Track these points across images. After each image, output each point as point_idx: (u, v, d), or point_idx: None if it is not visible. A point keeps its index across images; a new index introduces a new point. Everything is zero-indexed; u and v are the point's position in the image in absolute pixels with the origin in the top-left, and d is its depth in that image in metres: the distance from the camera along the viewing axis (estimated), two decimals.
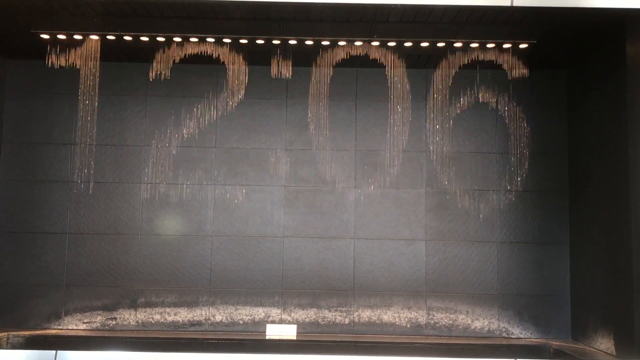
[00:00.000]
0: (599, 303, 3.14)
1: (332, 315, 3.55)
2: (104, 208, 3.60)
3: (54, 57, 3.59)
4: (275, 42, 3.24)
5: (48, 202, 3.59)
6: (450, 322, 3.54)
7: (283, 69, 3.41)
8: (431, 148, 3.64)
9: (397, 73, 3.68)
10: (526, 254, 3.56)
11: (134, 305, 3.55)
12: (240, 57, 3.54)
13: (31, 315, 3.53)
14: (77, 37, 3.23)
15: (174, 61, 3.61)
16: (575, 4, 2.74)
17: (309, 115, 3.67)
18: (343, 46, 3.28)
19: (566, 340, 3.45)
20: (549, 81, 3.67)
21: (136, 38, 3.23)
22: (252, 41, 3.24)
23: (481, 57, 3.44)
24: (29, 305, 3.53)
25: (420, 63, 3.57)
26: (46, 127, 3.64)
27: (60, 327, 3.52)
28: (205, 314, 3.55)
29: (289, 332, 3.48)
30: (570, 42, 3.21)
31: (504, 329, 3.53)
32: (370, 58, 3.40)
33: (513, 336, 3.53)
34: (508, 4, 2.75)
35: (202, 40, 3.24)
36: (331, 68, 3.68)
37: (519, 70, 3.67)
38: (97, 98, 3.67)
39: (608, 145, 3.08)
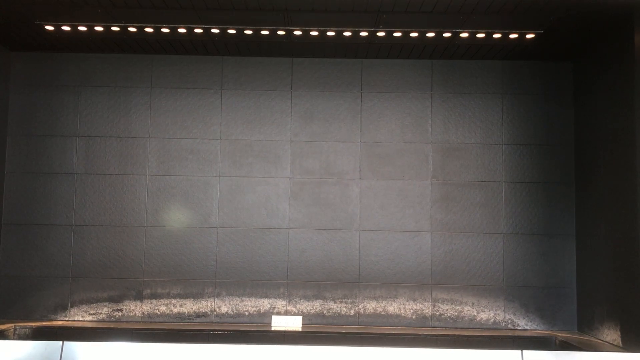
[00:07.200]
0: (605, 294, 3.13)
1: (337, 307, 3.55)
2: (109, 200, 3.60)
3: (58, 48, 3.59)
4: (280, 32, 3.22)
5: (53, 194, 3.60)
6: (456, 313, 3.54)
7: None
8: (437, 139, 3.63)
9: (402, 64, 3.67)
10: (532, 245, 3.55)
11: (139, 297, 3.56)
12: (245, 48, 3.53)
13: (37, 307, 3.54)
14: (82, 28, 3.22)
15: (178, 52, 3.61)
16: None
17: (314, 106, 3.66)
18: (349, 37, 3.26)
19: (572, 332, 3.44)
20: (555, 72, 3.64)
21: (140, 29, 3.22)
22: (256, 32, 3.23)
23: (487, 47, 3.42)
24: (35, 296, 3.55)
25: (426, 53, 3.55)
26: (51, 119, 3.64)
27: (67, 319, 3.54)
28: (211, 306, 3.55)
29: (294, 323, 3.49)
30: (578, 33, 3.19)
31: (509, 321, 3.53)
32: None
33: (519, 328, 3.52)
34: None
35: (207, 31, 3.23)
36: (336, 59, 3.68)
37: (525, 61, 3.66)
38: (101, 90, 3.67)
39: (615, 137, 3.06)
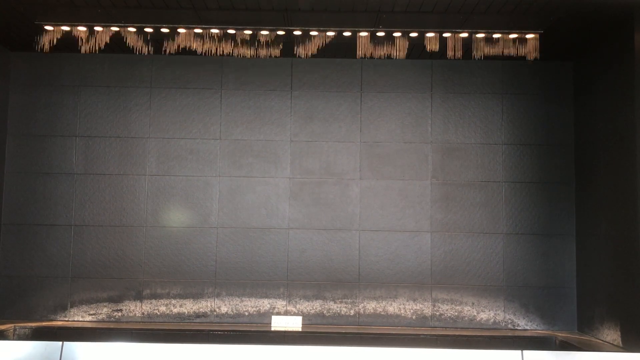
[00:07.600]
0: (605, 295, 3.13)
1: (337, 307, 3.55)
2: (109, 200, 3.60)
3: (57, 48, 3.58)
4: (280, 32, 3.22)
5: (53, 194, 3.60)
6: (456, 313, 3.54)
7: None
8: (437, 139, 3.63)
9: (402, 64, 3.67)
10: (532, 245, 3.55)
11: (139, 297, 3.55)
12: (245, 49, 3.53)
13: (37, 307, 3.54)
14: (81, 28, 3.22)
15: (178, 53, 3.61)
16: None
17: (314, 106, 3.66)
18: (348, 37, 3.26)
19: (572, 332, 3.44)
20: (555, 72, 3.64)
21: (140, 29, 3.22)
22: (256, 32, 3.22)
23: (487, 47, 3.42)
24: (35, 297, 3.55)
25: (425, 53, 3.55)
26: (51, 119, 3.64)
27: (66, 319, 3.54)
28: (211, 306, 3.55)
29: (294, 323, 3.48)
30: (578, 33, 3.19)
31: (509, 321, 3.53)
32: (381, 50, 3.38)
33: (519, 328, 3.52)
34: None
35: (207, 31, 3.23)
36: (336, 59, 3.67)
37: (525, 61, 3.65)
38: (101, 90, 3.67)
39: (615, 136, 3.06)
